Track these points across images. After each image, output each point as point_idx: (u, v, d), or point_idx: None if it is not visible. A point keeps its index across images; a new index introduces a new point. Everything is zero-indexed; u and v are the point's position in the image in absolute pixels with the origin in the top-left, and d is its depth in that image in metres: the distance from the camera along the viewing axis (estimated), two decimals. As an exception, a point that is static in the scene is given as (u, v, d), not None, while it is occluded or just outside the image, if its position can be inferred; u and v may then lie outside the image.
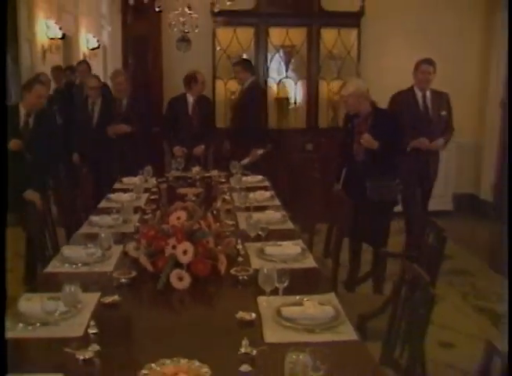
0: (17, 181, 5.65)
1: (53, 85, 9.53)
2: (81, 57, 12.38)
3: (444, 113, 6.74)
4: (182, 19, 5.12)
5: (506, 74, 8.79)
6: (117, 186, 6.32)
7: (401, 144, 5.99)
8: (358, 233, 5.62)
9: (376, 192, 5.65)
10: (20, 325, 2.95)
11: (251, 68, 8.03)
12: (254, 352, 2.62)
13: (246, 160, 6.77)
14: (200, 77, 7.64)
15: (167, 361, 2.42)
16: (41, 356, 2.81)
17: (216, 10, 6.29)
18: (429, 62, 6.67)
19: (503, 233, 5.94)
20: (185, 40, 7.66)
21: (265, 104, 8.31)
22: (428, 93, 6.74)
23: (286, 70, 8.98)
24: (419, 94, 6.73)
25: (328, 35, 8.83)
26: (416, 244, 4.44)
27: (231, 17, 8.46)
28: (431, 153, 6.76)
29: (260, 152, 7.52)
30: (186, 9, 5.07)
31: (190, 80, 7.62)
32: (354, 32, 8.83)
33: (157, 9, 5.00)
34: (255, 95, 7.89)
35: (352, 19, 8.76)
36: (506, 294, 2.81)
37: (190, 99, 7.68)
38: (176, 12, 5.13)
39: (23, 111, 6.02)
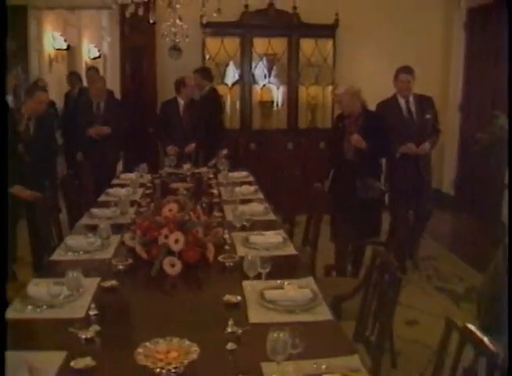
0: (16, 182, 5.51)
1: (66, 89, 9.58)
2: (84, 66, 12.36)
3: (429, 116, 6.25)
4: (173, 29, 5.10)
5: (463, 79, 8.85)
6: (115, 181, 6.30)
7: (388, 147, 5.83)
8: (348, 231, 5.44)
9: (364, 190, 5.53)
10: (29, 307, 2.95)
11: (209, 76, 8.04)
12: (239, 331, 2.62)
13: (213, 161, 6.73)
14: (188, 82, 7.59)
15: (161, 340, 2.40)
16: (48, 335, 2.80)
17: (204, 22, 6.26)
18: (407, 71, 6.22)
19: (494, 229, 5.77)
20: (176, 49, 7.63)
21: (222, 108, 8.38)
22: (411, 99, 6.27)
23: (269, 76, 8.95)
24: (402, 101, 6.27)
25: (306, 45, 8.81)
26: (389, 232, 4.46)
27: (218, 28, 8.44)
28: (421, 158, 6.28)
29: (224, 152, 7.46)
30: (177, 21, 5.06)
31: (179, 84, 7.59)
32: (330, 42, 8.82)
33: (151, 21, 4.99)
34: (213, 101, 7.89)
35: (328, 31, 8.75)
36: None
37: (181, 102, 7.64)
38: (168, 23, 5.11)
39: (24, 115, 5.94)
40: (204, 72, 7.99)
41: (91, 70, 9.48)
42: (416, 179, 6.29)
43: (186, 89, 7.58)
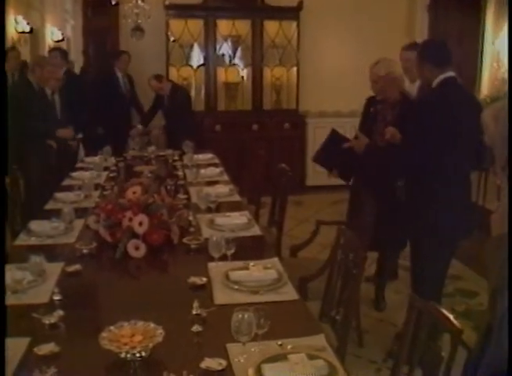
0: None
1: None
2: (47, 49, 12.16)
3: None
4: (135, 10, 5.07)
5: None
6: (78, 165, 6.20)
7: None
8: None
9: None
10: (-7, 294, 2.91)
11: (66, 57, 7.91)
12: (205, 313, 2.60)
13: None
14: (151, 84, 7.51)
15: (125, 324, 2.37)
16: (11, 321, 2.71)
17: (167, 3, 6.19)
18: (409, 47, 5.19)
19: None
20: (138, 29, 7.52)
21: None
22: (418, 83, 5.07)
23: (234, 58, 8.91)
24: (407, 83, 5.17)
25: (270, 27, 8.79)
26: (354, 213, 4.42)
27: (182, 10, 8.42)
28: None
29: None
30: (139, 2, 5.01)
31: None
32: (294, 24, 8.80)
33: (113, 3, 4.91)
34: (73, 82, 7.62)
35: (292, 13, 8.74)
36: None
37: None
38: (130, 4, 5.07)
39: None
40: (61, 53, 7.88)
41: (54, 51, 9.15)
42: None
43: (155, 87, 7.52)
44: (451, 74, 3.86)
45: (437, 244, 3.88)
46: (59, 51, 7.97)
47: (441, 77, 3.84)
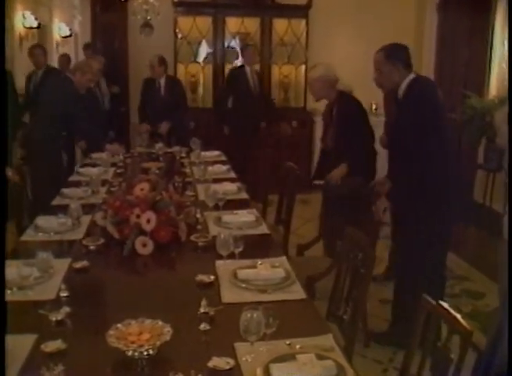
0: None
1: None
2: (55, 45, 12.18)
3: None
4: (144, 7, 5.07)
5: (435, 61, 8.82)
6: (86, 161, 6.20)
7: (364, 143, 5.02)
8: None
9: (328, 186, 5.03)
10: (0, 290, 2.90)
11: (46, 54, 8.04)
12: (212, 311, 2.59)
13: None
14: (150, 62, 7.46)
15: (133, 322, 2.35)
16: (18, 318, 2.71)
17: (175, 0, 6.18)
18: (379, 50, 4.72)
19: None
20: (147, 26, 7.50)
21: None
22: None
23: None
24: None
25: (279, 25, 8.81)
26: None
27: (190, 7, 8.44)
28: None
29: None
30: (149, -2, 5.02)
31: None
32: (303, 22, 8.82)
33: (122, -1, 4.92)
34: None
35: (301, 11, 8.76)
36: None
37: (161, 81, 7.53)
38: (139, 0, 5.07)
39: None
40: (43, 49, 7.88)
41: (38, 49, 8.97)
42: None
43: (152, 69, 7.46)
44: (414, 75, 4.08)
45: (426, 242, 4.01)
46: (41, 48, 8.01)
47: (410, 77, 4.06)
